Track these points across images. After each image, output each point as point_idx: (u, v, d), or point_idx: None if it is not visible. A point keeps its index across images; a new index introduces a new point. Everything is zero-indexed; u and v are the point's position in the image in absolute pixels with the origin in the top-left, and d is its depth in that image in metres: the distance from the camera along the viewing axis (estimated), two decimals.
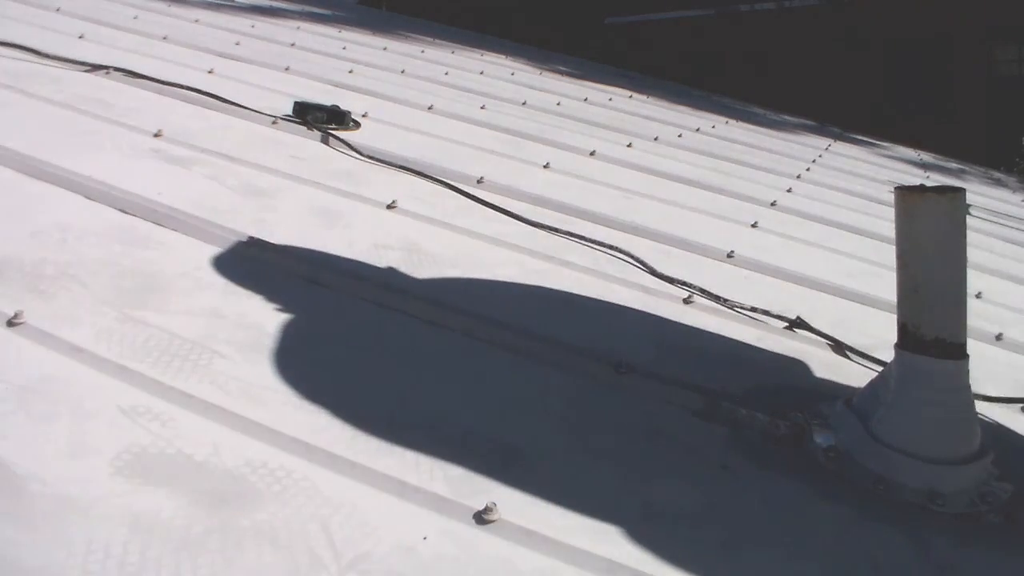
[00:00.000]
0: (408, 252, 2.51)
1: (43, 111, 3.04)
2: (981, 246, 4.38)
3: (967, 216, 2.17)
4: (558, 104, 5.90)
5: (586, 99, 6.53)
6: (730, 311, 2.62)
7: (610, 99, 6.91)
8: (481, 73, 6.58)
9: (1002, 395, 2.39)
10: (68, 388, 1.54)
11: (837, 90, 12.79)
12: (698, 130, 6.34)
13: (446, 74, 6.02)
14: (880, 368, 2.19)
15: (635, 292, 2.62)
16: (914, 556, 1.62)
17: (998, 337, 2.97)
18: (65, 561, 1.18)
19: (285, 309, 2.00)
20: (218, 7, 6.78)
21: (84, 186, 2.41)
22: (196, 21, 5.82)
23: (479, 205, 3.04)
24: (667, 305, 2.58)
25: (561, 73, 8.04)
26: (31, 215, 2.21)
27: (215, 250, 2.23)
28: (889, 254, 2.12)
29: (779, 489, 1.76)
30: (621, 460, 1.73)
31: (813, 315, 2.66)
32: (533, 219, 3.00)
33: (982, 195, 6.76)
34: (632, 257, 2.86)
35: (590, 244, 2.91)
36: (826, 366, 2.39)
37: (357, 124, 3.73)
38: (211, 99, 3.54)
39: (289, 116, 3.56)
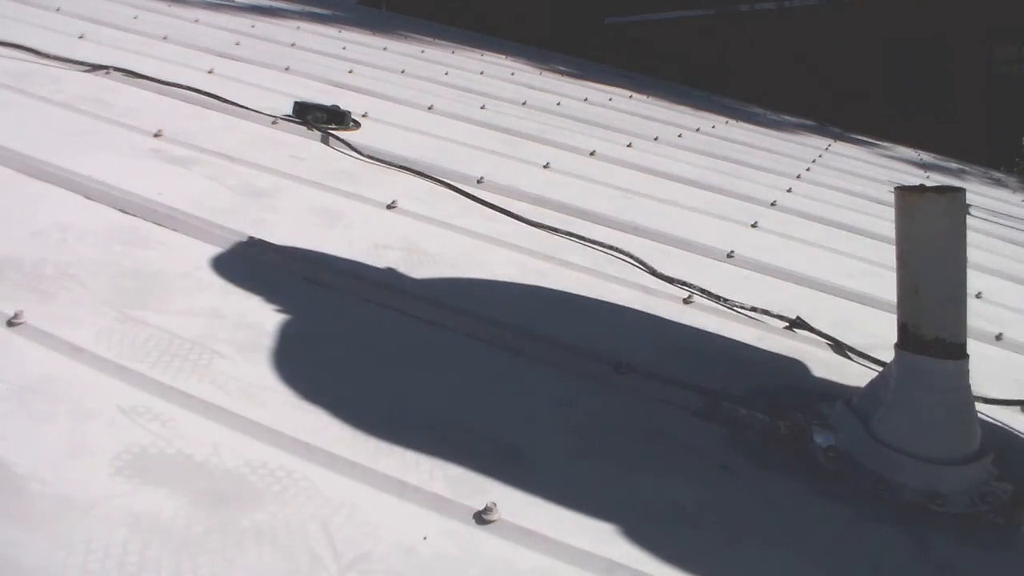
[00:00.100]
0: (408, 252, 2.51)
1: (43, 111, 3.04)
2: (981, 246, 4.38)
3: (967, 216, 2.17)
4: (558, 104, 5.90)
5: (586, 99, 6.53)
6: (730, 311, 2.62)
7: (610, 99, 6.91)
8: (481, 73, 6.58)
9: (1002, 395, 2.39)
10: (68, 388, 1.54)
11: (837, 90, 12.79)
12: (698, 130, 6.34)
13: (446, 74, 6.02)
14: (880, 368, 2.19)
15: (635, 292, 2.62)
16: (914, 556, 1.62)
17: (998, 337, 2.97)
18: (65, 561, 1.18)
19: (285, 309, 2.00)
20: (218, 7, 6.78)
21: (84, 186, 2.41)
22: (196, 21, 5.82)
23: (479, 205, 3.04)
24: (667, 305, 2.58)
25: (561, 73, 8.04)
26: (31, 215, 2.21)
27: (215, 250, 2.23)
28: (889, 254, 2.12)
29: (779, 489, 1.76)
30: (621, 460, 1.73)
31: (813, 315, 2.66)
32: (533, 219, 3.00)
33: (982, 195, 6.76)
34: (632, 257, 2.86)
35: (590, 244, 2.91)
36: (826, 366, 2.39)
37: (357, 124, 3.73)
38: (211, 99, 3.54)
39: (289, 116, 3.56)
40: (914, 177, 7.10)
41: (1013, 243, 5.03)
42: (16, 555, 1.17)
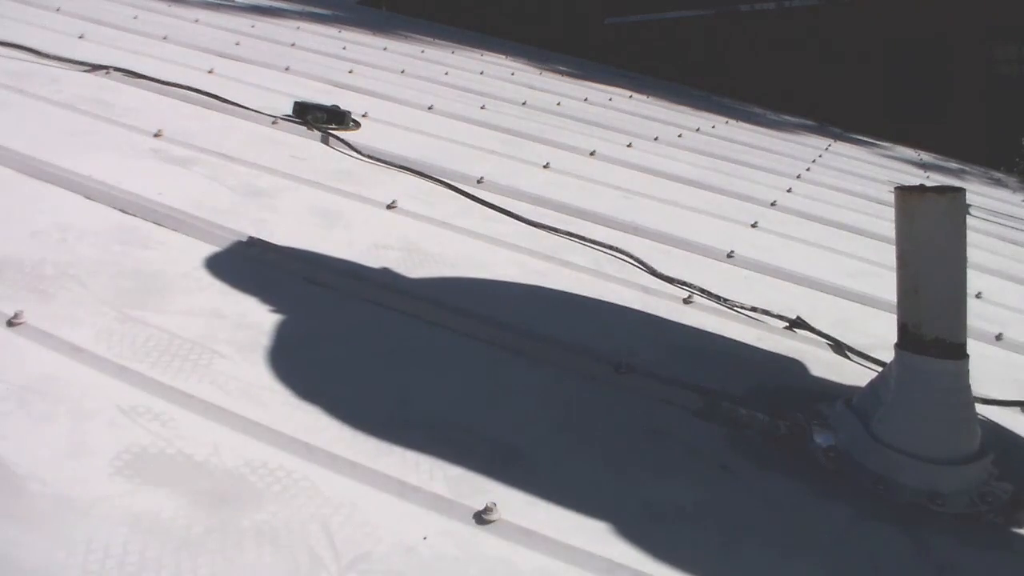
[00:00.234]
0: (408, 252, 2.51)
1: (43, 111, 3.04)
2: (981, 246, 4.38)
3: (967, 216, 2.17)
4: (558, 104, 5.90)
5: (586, 99, 6.53)
6: (730, 311, 2.62)
7: (610, 99, 6.91)
8: (481, 73, 6.58)
9: (1002, 395, 2.39)
10: (68, 388, 1.54)
11: (837, 90, 12.79)
12: (698, 130, 6.34)
13: (446, 74, 6.02)
14: (880, 368, 2.19)
15: (635, 292, 2.62)
16: (914, 556, 1.62)
17: (998, 337, 2.97)
18: (65, 561, 1.18)
19: (285, 309, 2.00)
20: (218, 7, 6.78)
21: (84, 186, 2.41)
22: (196, 21, 5.82)
23: (479, 205, 3.04)
24: (667, 305, 2.58)
25: (561, 73, 8.04)
26: (31, 215, 2.21)
27: (215, 250, 2.23)
28: (889, 254, 2.12)
29: (779, 489, 1.76)
30: (621, 460, 1.73)
31: (813, 315, 2.66)
32: (533, 219, 3.00)
33: (982, 195, 6.76)
34: (632, 257, 2.86)
35: (590, 244, 2.91)
36: (826, 366, 2.39)
37: (357, 124, 3.73)
38: (211, 99, 3.54)
39: (289, 116, 3.56)
40: (914, 177, 7.10)
41: (1013, 243, 5.03)
42: (16, 555, 1.17)
